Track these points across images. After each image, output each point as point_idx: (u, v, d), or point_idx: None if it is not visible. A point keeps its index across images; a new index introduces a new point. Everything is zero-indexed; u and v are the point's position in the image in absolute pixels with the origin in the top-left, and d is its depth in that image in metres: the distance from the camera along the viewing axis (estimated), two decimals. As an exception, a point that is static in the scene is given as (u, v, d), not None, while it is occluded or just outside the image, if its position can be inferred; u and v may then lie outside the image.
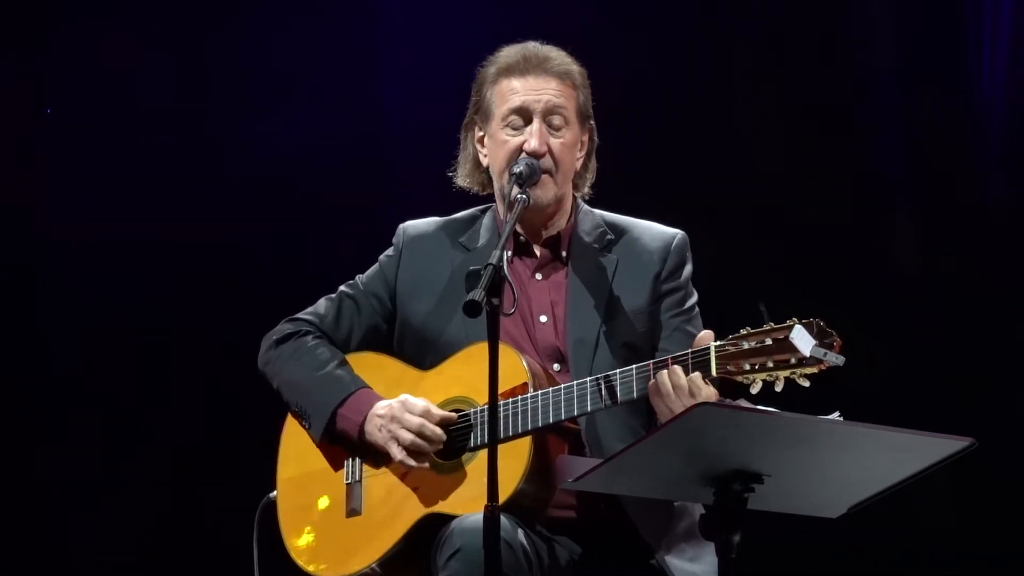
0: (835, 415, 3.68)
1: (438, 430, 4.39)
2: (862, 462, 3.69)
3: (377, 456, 4.49)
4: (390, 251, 4.76)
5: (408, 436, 4.39)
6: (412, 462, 4.39)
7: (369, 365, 4.61)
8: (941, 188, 6.65)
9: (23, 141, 6.94)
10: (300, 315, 4.73)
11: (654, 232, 4.67)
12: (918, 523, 6.45)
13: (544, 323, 4.58)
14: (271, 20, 6.94)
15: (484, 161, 4.66)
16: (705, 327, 4.45)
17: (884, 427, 3.60)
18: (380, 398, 4.49)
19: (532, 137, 4.52)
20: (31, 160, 6.95)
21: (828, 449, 3.66)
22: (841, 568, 6.52)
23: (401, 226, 4.78)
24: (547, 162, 4.53)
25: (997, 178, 6.60)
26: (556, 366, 4.51)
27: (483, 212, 4.74)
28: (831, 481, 3.76)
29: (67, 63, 6.93)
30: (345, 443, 4.53)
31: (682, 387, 4.17)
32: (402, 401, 4.43)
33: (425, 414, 4.40)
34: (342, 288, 4.75)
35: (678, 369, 4.19)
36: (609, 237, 4.65)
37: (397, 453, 4.41)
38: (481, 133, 4.66)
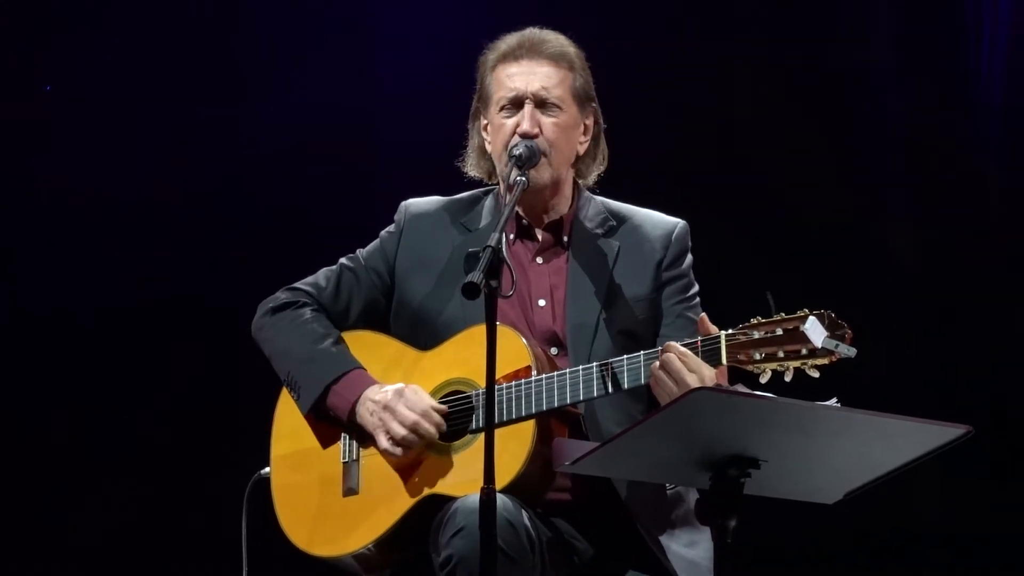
0: (832, 401, 3.68)
1: (432, 429, 4.37)
2: (859, 449, 3.69)
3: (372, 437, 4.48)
4: (391, 227, 4.74)
5: (400, 431, 4.37)
6: (397, 452, 4.38)
7: (366, 344, 4.59)
8: (939, 180, 6.66)
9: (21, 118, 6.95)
10: (298, 284, 4.70)
11: (656, 220, 4.67)
12: (911, 509, 6.47)
13: (543, 307, 4.57)
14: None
15: (488, 148, 4.66)
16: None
17: (881, 414, 3.60)
18: (375, 382, 4.47)
19: (524, 119, 4.52)
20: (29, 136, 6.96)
21: (825, 435, 3.66)
22: (837, 554, 6.54)
23: (403, 203, 4.76)
24: (541, 143, 4.51)
25: (995, 170, 6.62)
26: (553, 350, 4.50)
27: (486, 194, 4.73)
28: (828, 467, 3.76)
29: (64, 40, 6.91)
30: (333, 421, 4.51)
31: (678, 369, 4.16)
32: (399, 391, 4.40)
33: (425, 414, 4.37)
34: (342, 260, 4.72)
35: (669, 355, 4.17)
36: (611, 224, 4.64)
37: (384, 442, 4.39)
38: (484, 121, 4.65)
